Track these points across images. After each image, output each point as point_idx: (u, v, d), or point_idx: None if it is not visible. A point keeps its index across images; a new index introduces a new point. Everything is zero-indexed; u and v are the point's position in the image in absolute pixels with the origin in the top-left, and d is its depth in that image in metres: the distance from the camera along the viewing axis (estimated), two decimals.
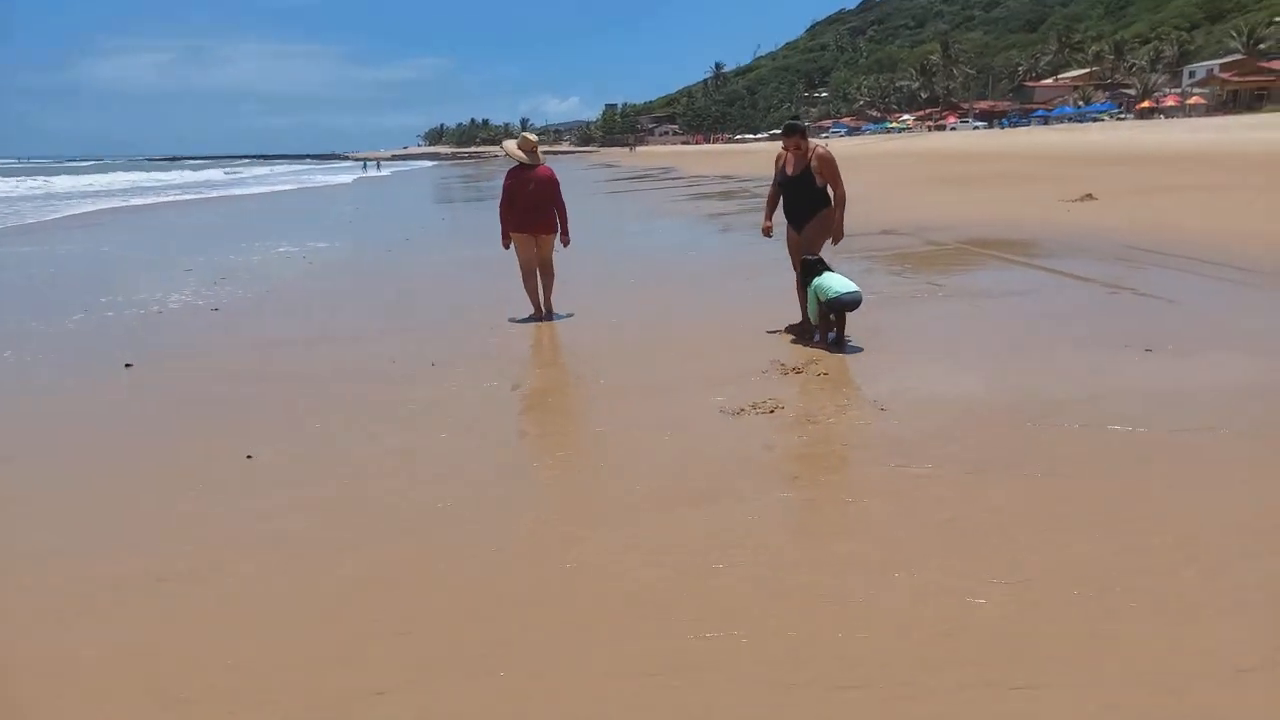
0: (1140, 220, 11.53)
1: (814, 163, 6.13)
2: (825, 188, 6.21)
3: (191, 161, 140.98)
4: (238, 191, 39.83)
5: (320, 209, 27.48)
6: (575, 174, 49.28)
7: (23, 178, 48.69)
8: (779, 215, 6.51)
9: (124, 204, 30.97)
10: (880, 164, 32.23)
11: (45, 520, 3.70)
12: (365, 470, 4.06)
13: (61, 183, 43.26)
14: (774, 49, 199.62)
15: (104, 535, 3.51)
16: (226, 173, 65.35)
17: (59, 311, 8.92)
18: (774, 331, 6.39)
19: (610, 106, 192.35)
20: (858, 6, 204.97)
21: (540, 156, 7.57)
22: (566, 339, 6.91)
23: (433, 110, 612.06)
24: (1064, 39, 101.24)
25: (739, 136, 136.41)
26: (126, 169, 76.12)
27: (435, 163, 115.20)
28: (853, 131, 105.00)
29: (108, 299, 9.58)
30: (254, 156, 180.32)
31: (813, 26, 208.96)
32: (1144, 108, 72.20)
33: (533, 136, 7.72)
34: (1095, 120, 69.71)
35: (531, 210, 7.40)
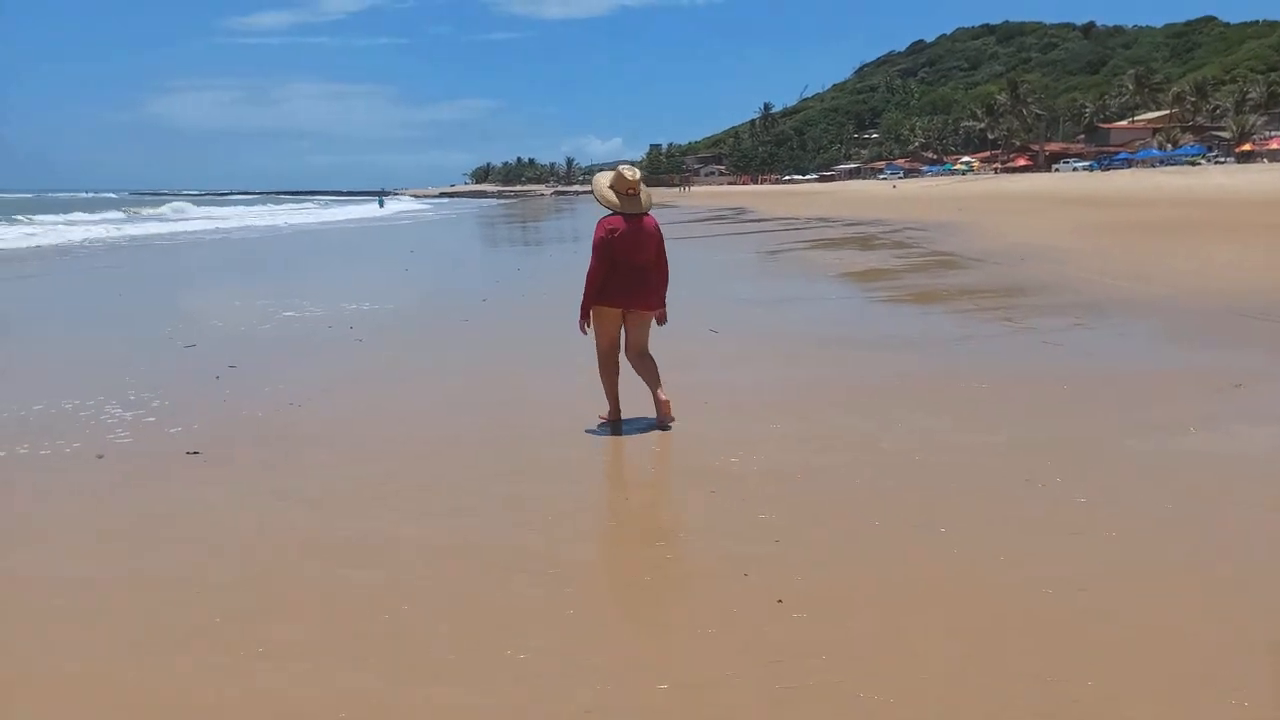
0: None
1: None
2: None
3: (242, 196, 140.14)
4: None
5: (372, 252, 23.90)
6: None
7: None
8: None
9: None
10: (1026, 209, 27.87)
11: None
12: None
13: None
14: (821, 90, 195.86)
15: None
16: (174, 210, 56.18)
17: None
18: None
19: (655, 147, 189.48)
20: (907, 49, 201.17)
21: (645, 199, 5.11)
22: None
23: (480, 148, 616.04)
24: (1143, 80, 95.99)
25: (787, 177, 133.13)
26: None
27: (496, 202, 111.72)
28: (910, 174, 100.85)
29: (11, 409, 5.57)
30: (300, 192, 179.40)
31: (861, 68, 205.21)
32: (1244, 150, 66.97)
33: (633, 172, 5.09)
34: (1192, 163, 64.73)
35: (636, 277, 5.04)
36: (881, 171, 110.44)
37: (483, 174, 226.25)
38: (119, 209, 55.55)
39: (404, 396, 6.23)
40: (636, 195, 5.02)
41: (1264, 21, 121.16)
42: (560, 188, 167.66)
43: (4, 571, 3.44)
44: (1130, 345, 7.34)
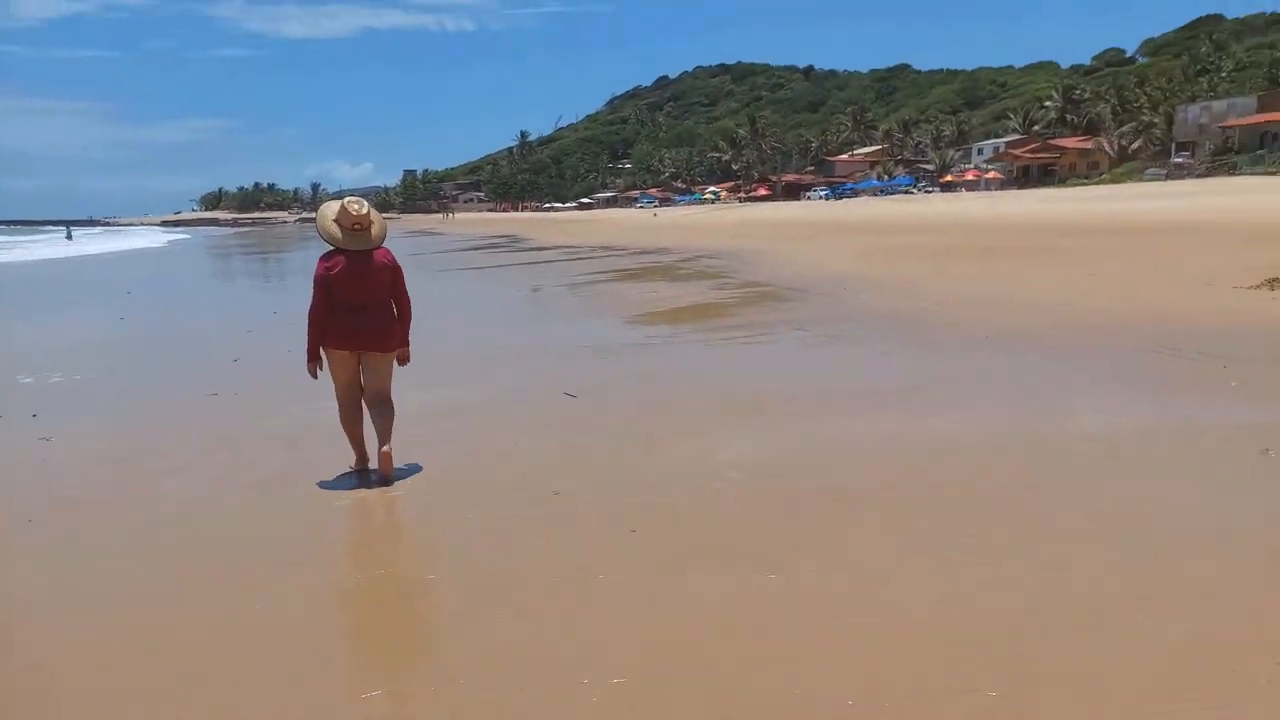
0: None
1: None
2: None
3: None
4: None
5: (72, 295, 19.31)
6: (397, 243, 40.69)
7: None
8: None
9: None
10: (796, 235, 28.54)
11: None
12: None
13: None
14: (575, 120, 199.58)
15: None
16: None
17: None
18: None
19: (410, 173, 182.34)
20: (653, 84, 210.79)
21: (377, 233, 4.63)
22: None
23: (211, 173, 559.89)
24: (859, 118, 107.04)
25: (547, 205, 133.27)
26: None
27: (231, 230, 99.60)
28: (664, 202, 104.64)
29: None
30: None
31: (612, 100, 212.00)
32: (946, 181, 76.12)
33: (360, 206, 4.60)
34: (907, 193, 72.41)
35: (364, 317, 4.58)
36: (637, 200, 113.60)
37: (215, 200, 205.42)
38: None
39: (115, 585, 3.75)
40: (364, 230, 4.57)
41: (947, 70, 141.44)
42: (305, 214, 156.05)
43: None
44: (1120, 397, 6.48)
